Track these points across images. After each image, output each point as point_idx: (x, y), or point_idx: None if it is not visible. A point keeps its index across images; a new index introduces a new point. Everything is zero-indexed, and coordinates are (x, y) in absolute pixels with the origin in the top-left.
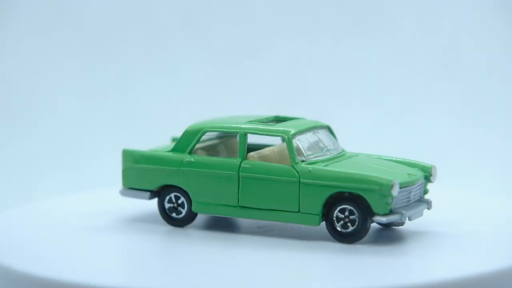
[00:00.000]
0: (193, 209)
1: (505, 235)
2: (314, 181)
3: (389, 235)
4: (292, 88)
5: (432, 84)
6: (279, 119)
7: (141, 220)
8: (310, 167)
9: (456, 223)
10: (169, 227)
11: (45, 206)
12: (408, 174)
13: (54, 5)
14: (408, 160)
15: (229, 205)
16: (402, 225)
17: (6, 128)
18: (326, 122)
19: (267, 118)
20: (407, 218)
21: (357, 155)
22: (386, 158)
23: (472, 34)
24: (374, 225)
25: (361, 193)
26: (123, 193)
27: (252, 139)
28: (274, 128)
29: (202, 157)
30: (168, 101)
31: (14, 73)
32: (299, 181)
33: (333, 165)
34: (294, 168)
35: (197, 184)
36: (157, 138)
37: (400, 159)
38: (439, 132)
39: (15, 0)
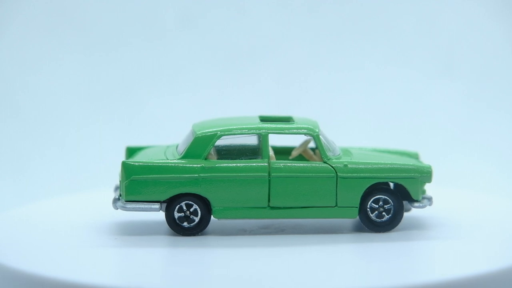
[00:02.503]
0: (214, 215)
1: (505, 235)
2: (353, 175)
3: (380, 234)
4: (291, 88)
5: (432, 84)
6: (265, 119)
7: (142, 219)
8: (344, 161)
9: (455, 223)
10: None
11: (45, 206)
12: (417, 160)
13: (56, 7)
14: (392, 149)
15: (257, 207)
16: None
17: (6, 128)
18: (324, 121)
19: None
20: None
21: (349, 149)
22: (371, 149)
23: (472, 34)
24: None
25: (401, 182)
26: (125, 207)
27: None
28: (298, 126)
29: (224, 162)
30: (167, 102)
31: (16, 74)
32: (337, 176)
33: (357, 158)
34: (328, 164)
35: (219, 190)
36: (157, 139)
37: (383, 149)
38: (439, 132)
39: (18, 1)
